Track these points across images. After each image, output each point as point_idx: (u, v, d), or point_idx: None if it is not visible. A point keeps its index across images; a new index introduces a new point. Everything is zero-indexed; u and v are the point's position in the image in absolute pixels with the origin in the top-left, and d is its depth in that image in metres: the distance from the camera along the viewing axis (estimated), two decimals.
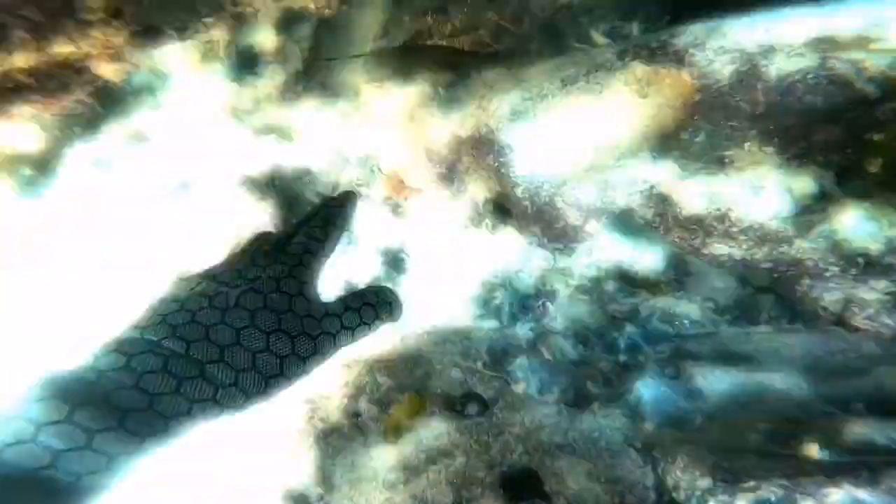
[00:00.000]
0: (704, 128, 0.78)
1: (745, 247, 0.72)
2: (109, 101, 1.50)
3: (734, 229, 0.72)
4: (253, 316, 0.42)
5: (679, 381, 0.81)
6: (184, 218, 1.21)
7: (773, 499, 0.59)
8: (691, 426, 0.74)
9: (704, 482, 0.64)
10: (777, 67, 0.71)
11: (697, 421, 0.74)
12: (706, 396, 0.77)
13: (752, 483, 0.61)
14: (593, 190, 0.91)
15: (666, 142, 0.84)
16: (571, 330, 1.11)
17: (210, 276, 0.46)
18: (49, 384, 0.34)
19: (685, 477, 0.66)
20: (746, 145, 0.73)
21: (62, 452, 0.30)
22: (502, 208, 1.37)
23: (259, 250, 0.51)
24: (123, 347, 0.38)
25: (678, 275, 1.04)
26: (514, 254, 1.31)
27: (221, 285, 0.44)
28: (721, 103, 0.75)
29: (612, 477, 0.72)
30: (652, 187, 0.84)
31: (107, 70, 0.87)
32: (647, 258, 1.10)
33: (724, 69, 0.73)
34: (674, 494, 0.67)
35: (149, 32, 0.92)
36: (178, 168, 1.51)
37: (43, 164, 1.34)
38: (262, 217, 1.27)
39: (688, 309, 0.98)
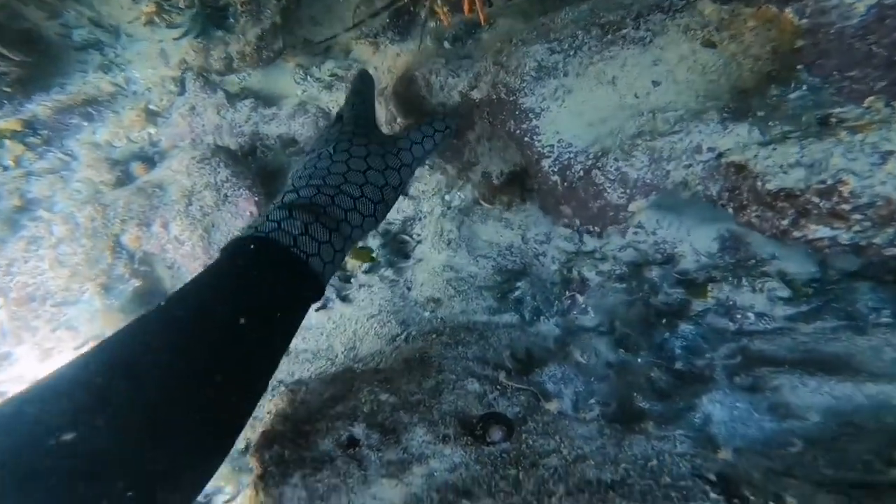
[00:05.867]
0: (807, 81, 0.60)
1: (857, 228, 0.55)
2: (45, 58, 1.28)
3: (844, 206, 0.55)
4: (347, 164, 0.64)
5: (758, 393, 0.65)
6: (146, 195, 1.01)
7: None
8: (787, 453, 0.58)
9: None
10: None
11: (796, 447, 0.59)
12: (800, 414, 0.62)
13: None
14: (643, 162, 0.73)
15: (743, 101, 0.66)
16: (607, 326, 0.95)
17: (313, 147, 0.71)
18: (280, 203, 0.59)
19: None
20: (868, 101, 0.56)
21: (297, 236, 0.54)
22: (519, 182, 1.19)
23: (326, 130, 0.75)
24: (315, 184, 0.62)
25: (734, 258, 0.88)
26: (532, 234, 1.14)
27: (320, 149, 0.68)
28: (840, 48, 0.57)
29: None
30: (720, 156, 0.67)
31: None
32: (696, 239, 0.93)
33: (859, 4, 0.55)
34: None
35: None
36: (137, 138, 1.31)
37: None
38: (239, 190, 1.08)
39: (751, 299, 0.82)
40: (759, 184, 0.60)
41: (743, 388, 0.66)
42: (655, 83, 0.78)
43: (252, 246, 0.52)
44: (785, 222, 0.60)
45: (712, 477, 0.58)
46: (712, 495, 0.55)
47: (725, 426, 0.62)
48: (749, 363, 0.70)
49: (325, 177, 0.62)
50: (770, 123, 0.61)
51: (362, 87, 0.82)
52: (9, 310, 0.89)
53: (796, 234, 0.59)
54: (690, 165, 0.69)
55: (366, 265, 1.17)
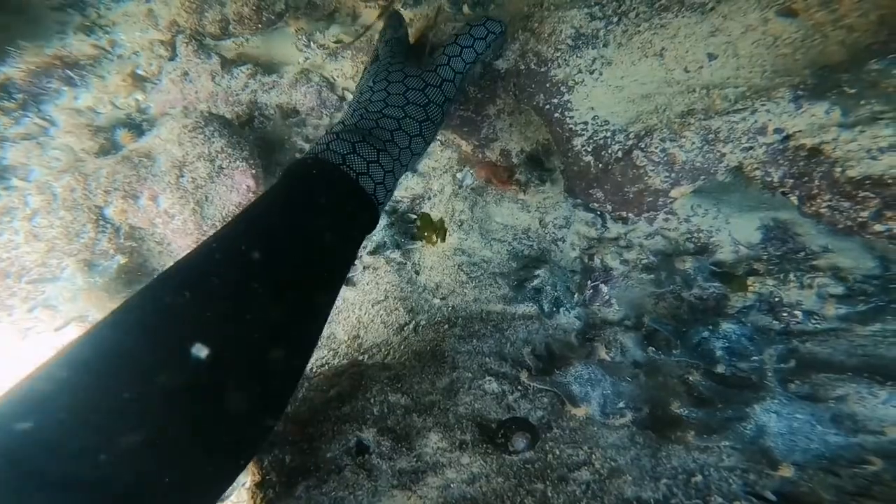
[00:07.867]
0: None
1: None
2: (17, 19, 1.16)
3: None
4: (387, 90, 0.65)
5: (819, 403, 0.58)
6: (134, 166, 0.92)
7: None
8: (861, 472, 0.52)
9: None
10: None
11: (874, 465, 0.52)
12: (873, 428, 0.55)
13: None
14: (694, 143, 0.64)
15: (826, 77, 0.57)
16: (633, 321, 0.88)
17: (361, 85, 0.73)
18: (328, 131, 0.61)
19: None
20: None
21: (345, 155, 0.55)
22: (538, 162, 1.11)
23: (366, 69, 0.76)
24: (359, 113, 0.64)
25: (780, 250, 0.81)
26: (550, 218, 1.06)
27: (366, 85, 0.70)
28: None
29: None
30: (787, 138, 0.59)
31: None
32: (735, 229, 0.86)
33: None
34: None
35: None
36: (123, 104, 1.21)
37: None
38: (235, 162, 0.99)
39: (798, 296, 0.75)
40: (838, 170, 0.52)
41: (800, 397, 0.59)
42: (711, 56, 0.69)
43: (306, 166, 0.54)
44: (865, 214, 0.52)
45: (771, 496, 0.51)
46: None
47: (783, 439, 0.55)
48: (804, 368, 0.63)
49: (368, 105, 0.64)
50: (862, 102, 0.53)
51: (393, 23, 0.82)
52: None
53: (878, 227, 0.52)
54: (751, 148, 0.61)
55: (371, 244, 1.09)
